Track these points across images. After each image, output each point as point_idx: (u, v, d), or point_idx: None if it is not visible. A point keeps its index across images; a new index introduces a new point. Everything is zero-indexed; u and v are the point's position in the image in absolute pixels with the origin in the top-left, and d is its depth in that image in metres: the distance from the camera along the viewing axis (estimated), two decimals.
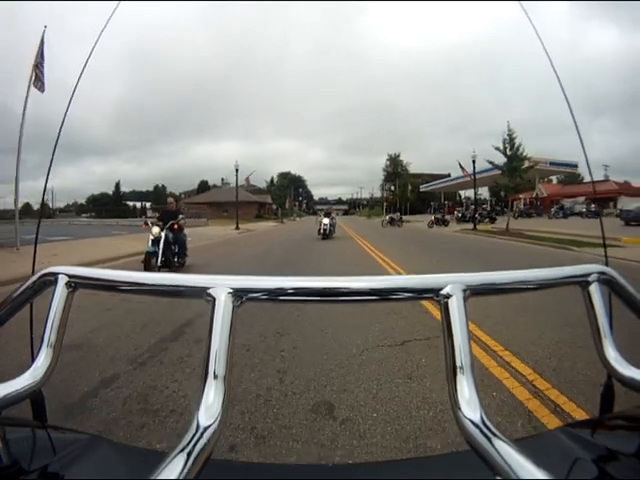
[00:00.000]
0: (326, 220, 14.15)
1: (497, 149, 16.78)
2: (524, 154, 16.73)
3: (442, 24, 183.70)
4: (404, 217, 29.80)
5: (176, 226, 6.64)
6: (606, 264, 0.39)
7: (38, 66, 9.65)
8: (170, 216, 6.71)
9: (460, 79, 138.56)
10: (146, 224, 6.60)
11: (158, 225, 6.39)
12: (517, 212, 30.59)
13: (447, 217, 26.14)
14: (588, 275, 0.36)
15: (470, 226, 20.12)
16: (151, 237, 6.29)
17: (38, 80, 9.58)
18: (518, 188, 18.12)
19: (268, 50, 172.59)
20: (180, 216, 6.86)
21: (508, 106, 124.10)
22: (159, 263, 6.19)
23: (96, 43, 0.65)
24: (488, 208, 33.93)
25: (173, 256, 6.63)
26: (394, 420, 1.78)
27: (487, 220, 25.03)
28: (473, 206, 25.60)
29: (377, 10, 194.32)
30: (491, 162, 17.48)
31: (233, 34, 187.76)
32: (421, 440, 1.61)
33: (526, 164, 16.96)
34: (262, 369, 2.38)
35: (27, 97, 9.55)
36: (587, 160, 0.70)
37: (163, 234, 6.26)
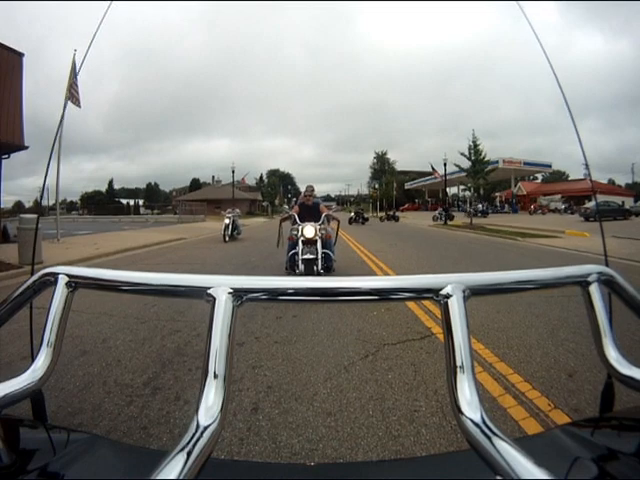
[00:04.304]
0: (310, 231, 4.77)
1: (462, 154, 19.21)
2: (486, 159, 19.20)
3: (432, 25, 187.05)
4: (388, 213, 30.24)
5: None
6: (606, 264, 0.40)
7: (72, 86, 11.44)
8: None
9: (450, 79, 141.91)
10: None
11: None
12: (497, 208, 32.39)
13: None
14: (588, 275, 0.37)
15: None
16: None
17: (75, 98, 11.40)
18: (485, 187, 20.48)
19: (260, 49, 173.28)
20: None
21: (496, 106, 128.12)
22: None
23: (91, 43, 0.66)
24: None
25: None
26: None
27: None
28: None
29: (368, 10, 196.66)
30: (458, 165, 19.89)
31: (225, 33, 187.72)
32: None
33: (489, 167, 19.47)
34: None
35: (63, 114, 11.29)
36: (586, 160, 0.74)
37: None
